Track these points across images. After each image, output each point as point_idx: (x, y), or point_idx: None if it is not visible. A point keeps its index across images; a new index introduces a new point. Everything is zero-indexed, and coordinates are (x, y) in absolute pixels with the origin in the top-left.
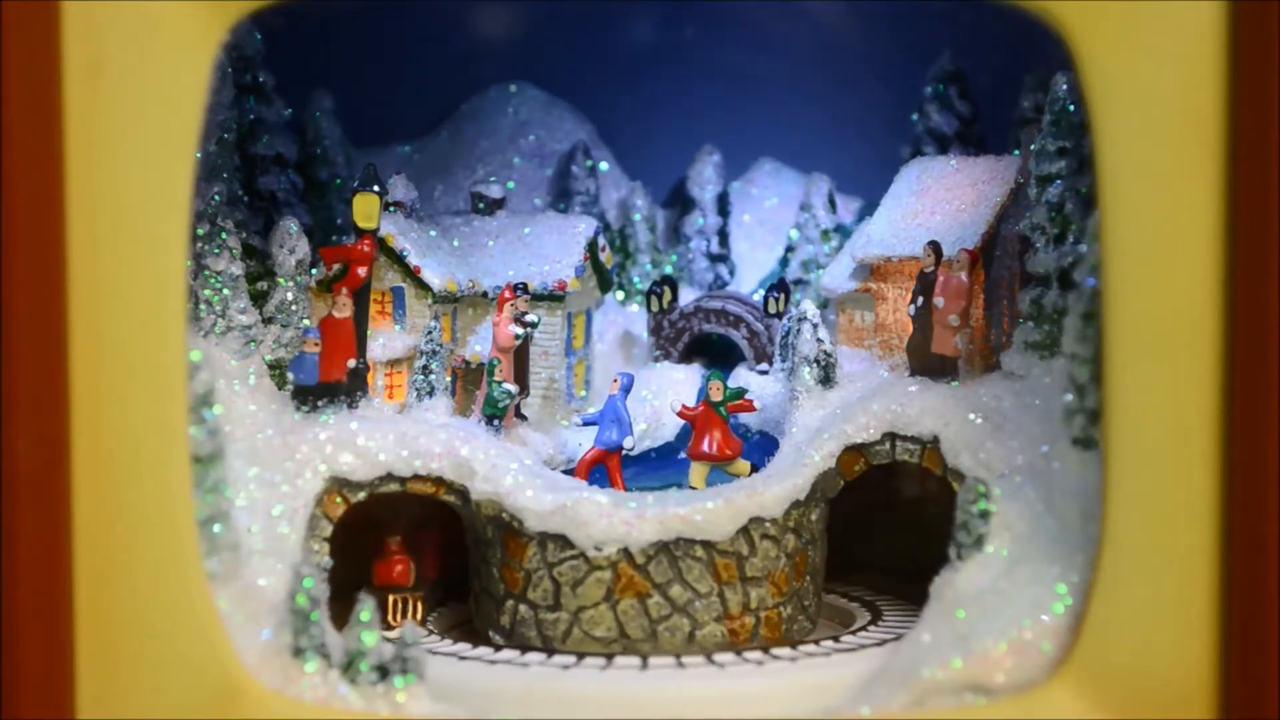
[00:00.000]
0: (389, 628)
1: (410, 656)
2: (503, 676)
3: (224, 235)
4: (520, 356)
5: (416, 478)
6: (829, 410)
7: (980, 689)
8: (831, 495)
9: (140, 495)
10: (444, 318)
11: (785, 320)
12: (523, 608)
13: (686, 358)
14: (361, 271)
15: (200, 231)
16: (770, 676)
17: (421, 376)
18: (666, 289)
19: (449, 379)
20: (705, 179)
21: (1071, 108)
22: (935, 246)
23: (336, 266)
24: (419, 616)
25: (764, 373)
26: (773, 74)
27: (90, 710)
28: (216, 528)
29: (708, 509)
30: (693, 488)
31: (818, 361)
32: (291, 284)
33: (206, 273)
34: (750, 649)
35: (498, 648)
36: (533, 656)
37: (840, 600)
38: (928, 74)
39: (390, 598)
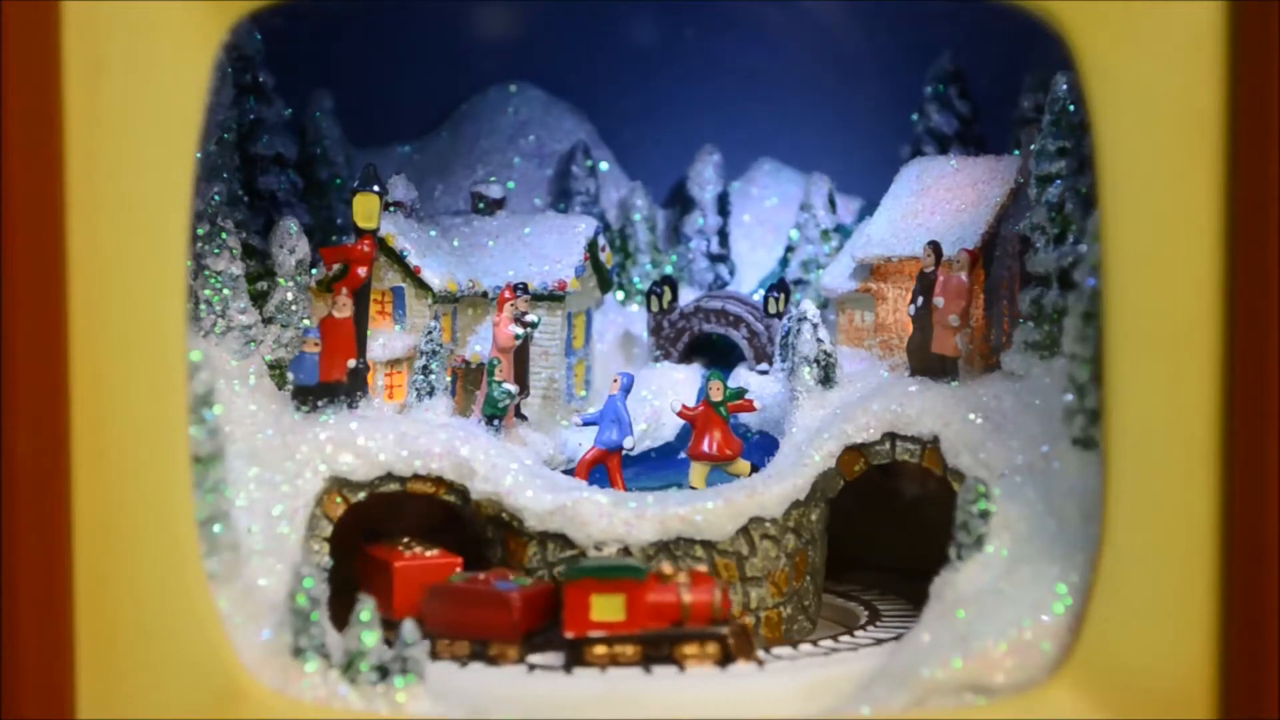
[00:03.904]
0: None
1: (410, 656)
2: (501, 677)
3: (224, 235)
4: (520, 356)
5: (416, 478)
6: (829, 410)
7: (980, 689)
8: (831, 495)
9: (140, 495)
10: (444, 318)
11: (785, 320)
12: None
13: (686, 358)
14: (361, 271)
15: (200, 231)
16: (770, 676)
17: (421, 376)
18: (666, 289)
19: (449, 379)
20: (705, 179)
21: (1071, 108)
22: (935, 246)
23: (336, 266)
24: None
25: (764, 373)
26: (772, 74)
27: (90, 710)
28: (216, 528)
29: (708, 509)
30: (693, 488)
31: (818, 361)
32: (291, 284)
33: (206, 273)
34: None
35: None
36: (533, 658)
37: (840, 600)
38: (928, 74)
39: (727, 636)
